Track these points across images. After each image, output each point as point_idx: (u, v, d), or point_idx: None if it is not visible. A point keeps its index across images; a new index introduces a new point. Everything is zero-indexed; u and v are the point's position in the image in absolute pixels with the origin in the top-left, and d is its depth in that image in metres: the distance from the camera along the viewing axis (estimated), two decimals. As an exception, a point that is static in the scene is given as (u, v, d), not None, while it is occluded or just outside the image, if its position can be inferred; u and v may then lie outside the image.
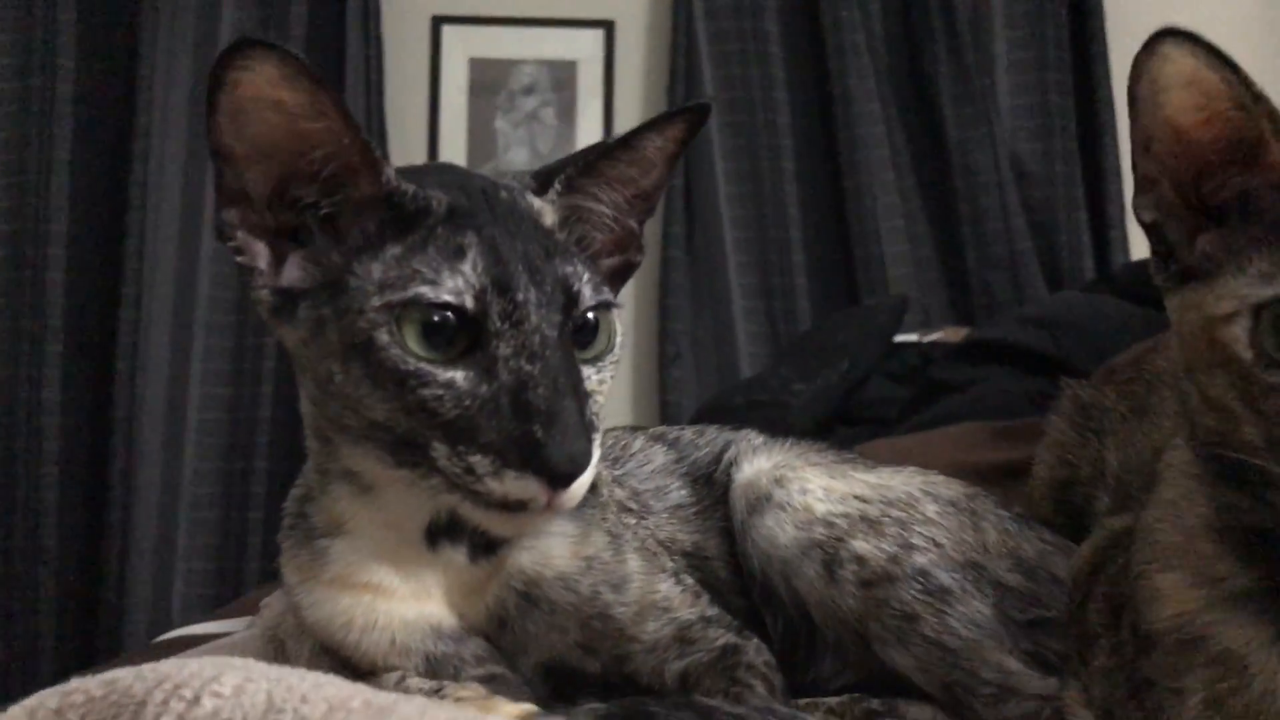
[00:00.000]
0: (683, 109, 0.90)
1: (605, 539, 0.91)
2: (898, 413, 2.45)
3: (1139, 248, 3.18)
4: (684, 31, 3.28)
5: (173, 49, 3.13)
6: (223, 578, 3.07)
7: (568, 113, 3.38)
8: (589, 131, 3.36)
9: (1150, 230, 0.75)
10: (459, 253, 0.78)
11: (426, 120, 3.33)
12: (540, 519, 0.80)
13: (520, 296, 0.78)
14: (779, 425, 2.35)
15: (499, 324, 0.77)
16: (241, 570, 3.07)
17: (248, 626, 1.44)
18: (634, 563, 0.92)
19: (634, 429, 1.16)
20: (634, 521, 0.97)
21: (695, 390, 3.21)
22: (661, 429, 1.18)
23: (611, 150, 0.88)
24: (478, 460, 0.76)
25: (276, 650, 1.03)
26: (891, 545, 0.91)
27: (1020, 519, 1.01)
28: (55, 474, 3.06)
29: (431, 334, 0.77)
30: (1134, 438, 0.99)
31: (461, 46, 3.36)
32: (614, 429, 1.13)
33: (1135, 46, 0.73)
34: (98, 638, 3.03)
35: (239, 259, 0.83)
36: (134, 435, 3.03)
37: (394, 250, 0.79)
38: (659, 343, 3.25)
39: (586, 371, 0.82)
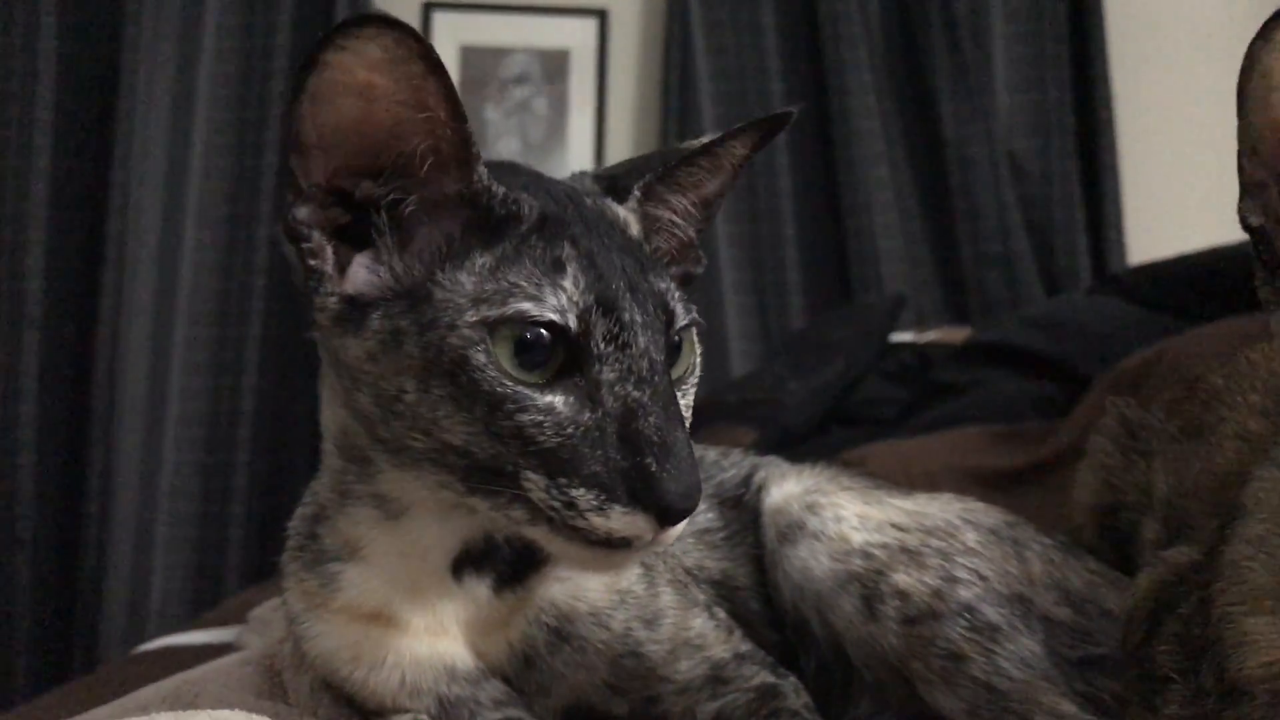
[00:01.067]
0: (767, 118, 0.85)
1: (638, 571, 0.86)
2: (897, 414, 2.42)
3: (1137, 248, 3.15)
4: (679, 21, 3.23)
5: (157, 32, 3.06)
6: (202, 572, 3.01)
7: (559, 103, 3.32)
8: (580, 122, 3.30)
9: (1256, 237, 0.70)
10: (558, 266, 0.72)
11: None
12: (636, 559, 0.76)
13: (627, 317, 0.72)
14: (773, 424, 2.34)
15: (603, 346, 0.71)
16: (222, 565, 3.01)
17: (235, 638, 1.39)
18: (667, 597, 0.87)
19: None
20: (660, 549, 0.91)
21: (685, 388, 3.16)
22: None
23: (695, 157, 0.84)
24: (580, 494, 0.69)
25: (272, 683, 0.98)
26: (934, 578, 0.87)
27: (1064, 547, 0.97)
28: (32, 464, 2.98)
29: (523, 353, 0.71)
30: (1188, 460, 0.94)
31: (452, 33, 3.29)
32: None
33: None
34: (75, 631, 2.95)
35: (312, 263, 0.74)
36: (113, 426, 2.96)
37: (483, 259, 0.73)
38: (649, 338, 3.19)
39: (678, 392, 0.76)
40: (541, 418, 0.70)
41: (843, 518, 0.92)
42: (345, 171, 0.74)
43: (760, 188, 3.24)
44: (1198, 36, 3.30)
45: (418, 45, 0.69)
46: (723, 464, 1.06)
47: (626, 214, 0.82)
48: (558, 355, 0.71)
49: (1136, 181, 3.26)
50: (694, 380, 0.80)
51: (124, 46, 3.01)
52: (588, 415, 0.70)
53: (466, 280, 0.72)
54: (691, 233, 0.87)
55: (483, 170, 0.74)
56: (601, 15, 3.33)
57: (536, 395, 0.70)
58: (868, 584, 0.88)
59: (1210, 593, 0.73)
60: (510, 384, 0.70)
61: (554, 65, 3.33)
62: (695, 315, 0.79)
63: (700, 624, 0.87)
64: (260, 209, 3.07)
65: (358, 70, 0.69)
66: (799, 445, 2.18)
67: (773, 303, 3.24)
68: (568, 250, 0.73)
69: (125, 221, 2.99)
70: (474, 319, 0.70)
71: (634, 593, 0.85)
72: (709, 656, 0.86)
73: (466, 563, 0.82)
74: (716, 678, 0.85)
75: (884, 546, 0.89)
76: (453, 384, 0.70)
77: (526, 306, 0.70)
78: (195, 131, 3.07)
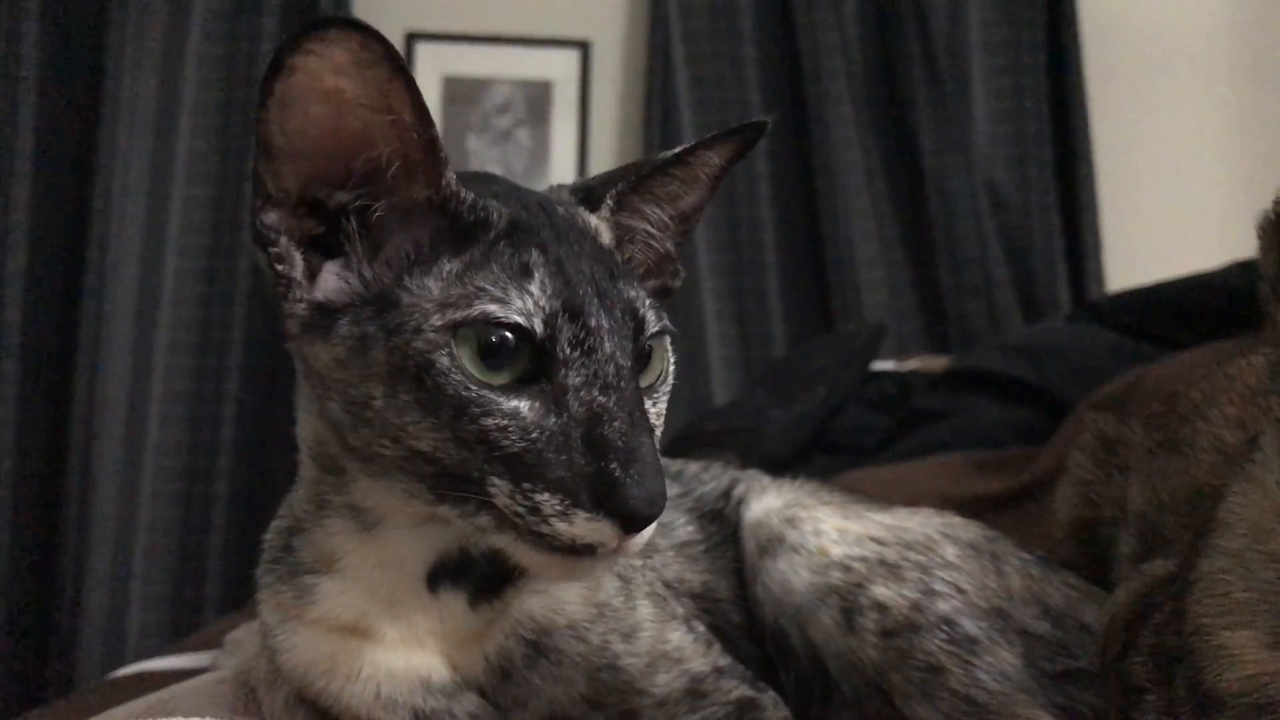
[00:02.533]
0: (741, 127, 0.85)
1: (616, 584, 0.86)
2: (878, 442, 2.42)
3: (1116, 277, 3.18)
4: (660, 53, 3.26)
5: (139, 60, 3.06)
6: (180, 603, 2.98)
7: (542, 133, 3.33)
8: (563, 152, 3.32)
9: None
10: (525, 271, 0.72)
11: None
12: (605, 567, 0.75)
13: (593, 323, 0.72)
14: (755, 452, 2.33)
15: (569, 351, 0.71)
16: (200, 596, 2.98)
17: (211, 661, 1.38)
18: (645, 610, 0.86)
19: None
20: (640, 563, 0.90)
21: (668, 416, 3.14)
22: (663, 460, 1.12)
23: (666, 167, 0.83)
24: (545, 500, 0.68)
25: (247, 700, 0.96)
26: (913, 591, 0.87)
27: (1043, 562, 0.97)
28: (8, 494, 2.96)
29: (489, 357, 0.70)
30: (1165, 473, 0.94)
31: (435, 64, 3.31)
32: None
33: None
34: (50, 661, 2.92)
35: (278, 268, 0.74)
36: (91, 455, 2.93)
37: (451, 265, 0.73)
38: (631, 367, 3.19)
39: (648, 401, 0.77)
40: (506, 422, 0.69)
41: (822, 531, 0.92)
42: (318, 181, 0.74)
43: (742, 217, 3.26)
44: (1173, 68, 3.34)
45: (382, 48, 0.69)
46: (702, 477, 1.06)
47: (598, 223, 0.82)
48: (523, 360, 0.71)
49: (1114, 211, 3.29)
50: (665, 389, 0.80)
51: (106, 75, 3.02)
52: (553, 420, 0.70)
53: (433, 285, 0.72)
54: (669, 245, 0.87)
55: (451, 176, 0.74)
56: (584, 47, 3.35)
57: (501, 399, 0.70)
58: (847, 597, 0.87)
59: (1185, 604, 0.73)
60: (475, 388, 0.69)
61: (537, 96, 3.34)
62: (667, 323, 0.79)
63: (679, 637, 0.86)
64: (240, 238, 3.07)
65: (325, 75, 0.69)
66: (781, 473, 2.17)
67: (754, 331, 3.25)
68: (535, 256, 0.73)
69: (105, 250, 2.98)
70: (439, 323, 0.70)
71: (612, 605, 0.84)
72: (687, 670, 0.85)
73: (442, 575, 0.81)
74: (695, 691, 0.84)
75: (863, 560, 0.89)
76: (419, 389, 0.70)
77: (492, 309, 0.70)
78: (176, 160, 3.07)
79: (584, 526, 0.68)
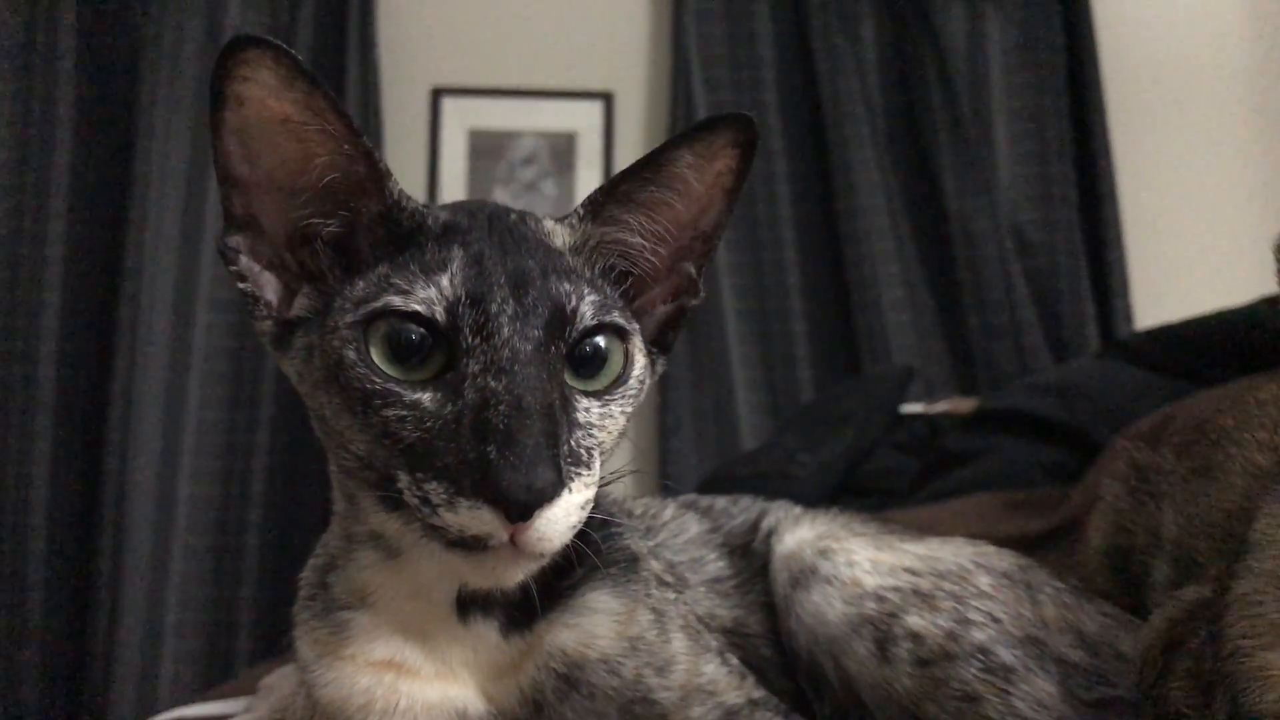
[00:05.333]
0: (718, 117, 0.82)
1: (650, 617, 0.85)
2: (908, 484, 2.40)
3: (1143, 315, 3.16)
4: (683, 103, 3.29)
5: (170, 114, 3.12)
6: (212, 656, 2.99)
7: (567, 185, 3.36)
8: (588, 203, 3.33)
9: None
10: (440, 266, 0.73)
11: (425, 191, 3.31)
12: (508, 564, 0.71)
13: (494, 309, 0.71)
14: (784, 496, 2.31)
15: (471, 339, 0.71)
16: (231, 649, 2.99)
17: (245, 709, 1.38)
18: (679, 643, 0.85)
19: (663, 497, 1.10)
20: (673, 596, 0.90)
21: (695, 462, 3.16)
22: (691, 496, 1.12)
23: (638, 169, 0.82)
24: (433, 488, 0.68)
25: (284, 736, 0.97)
26: (947, 620, 0.86)
27: (1077, 591, 0.96)
28: (43, 547, 2.99)
29: (402, 352, 0.71)
30: (1198, 500, 0.93)
31: (460, 118, 3.35)
32: (642, 498, 1.07)
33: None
34: (83, 715, 2.93)
35: (241, 285, 0.78)
36: (123, 509, 2.95)
37: (382, 269, 0.75)
38: (658, 413, 3.21)
39: (585, 403, 0.75)
40: (405, 413, 0.70)
41: (855, 562, 0.92)
42: (302, 215, 0.77)
43: (767, 261, 3.27)
44: (1195, 105, 3.35)
45: (295, 63, 0.72)
46: (731, 511, 1.06)
47: (555, 227, 0.82)
48: (438, 355, 0.72)
49: (1140, 249, 3.28)
50: (624, 393, 0.78)
51: (139, 132, 3.08)
52: (449, 409, 0.70)
53: (360, 287, 0.74)
54: (687, 268, 0.87)
55: (395, 186, 0.76)
56: (607, 98, 3.39)
57: (405, 392, 0.70)
58: (881, 627, 0.87)
59: (1221, 628, 0.73)
60: (379, 380, 0.70)
61: (561, 148, 3.38)
62: (614, 319, 0.77)
63: (712, 670, 0.85)
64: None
65: (269, 101, 0.73)
66: (810, 516, 2.16)
67: (781, 376, 3.25)
68: (455, 252, 0.74)
69: (137, 306, 3.02)
70: (350, 320, 0.72)
71: (645, 639, 0.84)
72: (722, 703, 0.84)
73: (471, 604, 0.82)
74: None
75: (897, 590, 0.89)
76: (339, 387, 0.72)
77: (394, 300, 0.71)
78: (207, 210, 3.11)
79: (466, 515, 0.67)
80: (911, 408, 2.79)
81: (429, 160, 3.31)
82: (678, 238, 0.85)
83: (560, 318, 0.74)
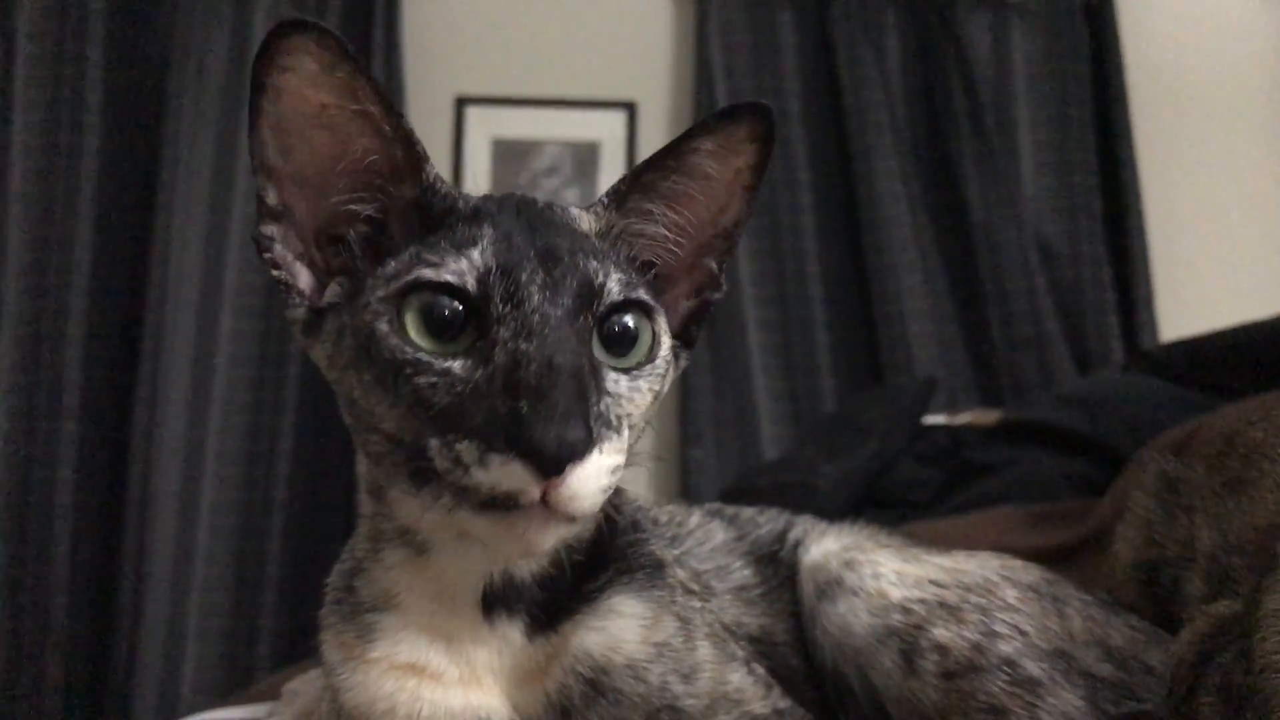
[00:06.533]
0: (737, 106, 0.83)
1: (675, 624, 0.85)
2: (930, 495, 2.39)
3: (1168, 328, 3.14)
4: (706, 111, 3.27)
5: (197, 126, 3.14)
6: (234, 662, 3.00)
7: (590, 194, 3.35)
8: (611, 212, 3.33)
9: None
10: (471, 242, 0.75)
11: (449, 199, 3.30)
12: (540, 527, 0.70)
13: (524, 277, 0.72)
14: (807, 507, 2.31)
15: (502, 307, 0.72)
16: (253, 654, 3.00)
17: (269, 713, 1.38)
18: (705, 650, 0.85)
19: (688, 505, 1.10)
20: (699, 604, 0.90)
21: (717, 471, 3.15)
22: (717, 505, 1.12)
23: (659, 159, 0.83)
24: (464, 447, 0.68)
25: (309, 741, 0.97)
26: (974, 633, 0.85)
27: (1105, 604, 0.95)
28: (66, 553, 3.01)
29: (435, 324, 0.72)
30: (1231, 515, 0.92)
31: (484, 127, 3.37)
32: (667, 505, 1.07)
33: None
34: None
35: (275, 273, 0.79)
36: (147, 515, 2.97)
37: (414, 249, 0.76)
38: (680, 423, 3.21)
39: (614, 376, 0.76)
40: (436, 379, 0.70)
41: (881, 574, 0.91)
42: (335, 212, 0.79)
43: (789, 272, 3.27)
44: (1221, 117, 3.33)
45: (336, 43, 0.73)
46: (758, 520, 1.06)
47: (580, 213, 0.83)
48: (471, 326, 0.72)
49: (1166, 261, 3.27)
50: (653, 370, 0.79)
51: (166, 140, 3.10)
52: (480, 373, 0.70)
53: (391, 266, 0.75)
54: (685, 247, 0.87)
55: (431, 169, 0.78)
56: (630, 108, 3.40)
57: (437, 360, 0.71)
58: (907, 639, 0.86)
59: (1252, 643, 0.72)
60: (410, 350, 0.71)
61: (584, 157, 3.39)
62: (640, 296, 0.78)
63: (739, 679, 0.85)
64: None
65: (307, 92, 0.75)
66: (833, 527, 2.16)
67: (803, 386, 3.25)
68: (485, 230, 0.76)
69: (163, 313, 3.04)
70: (382, 294, 0.73)
71: (671, 645, 0.83)
72: (748, 711, 0.84)
73: (495, 603, 0.82)
74: None
75: (923, 602, 0.88)
76: (371, 363, 0.73)
77: (426, 273, 0.72)
78: (232, 217, 3.13)
79: (498, 471, 0.66)
80: (934, 419, 2.78)
81: (452, 169, 3.33)
82: (700, 234, 0.86)
83: (589, 291, 0.75)
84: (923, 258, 3.26)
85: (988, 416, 2.71)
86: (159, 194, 3.09)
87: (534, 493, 0.67)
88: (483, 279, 0.72)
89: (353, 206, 0.79)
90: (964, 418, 2.79)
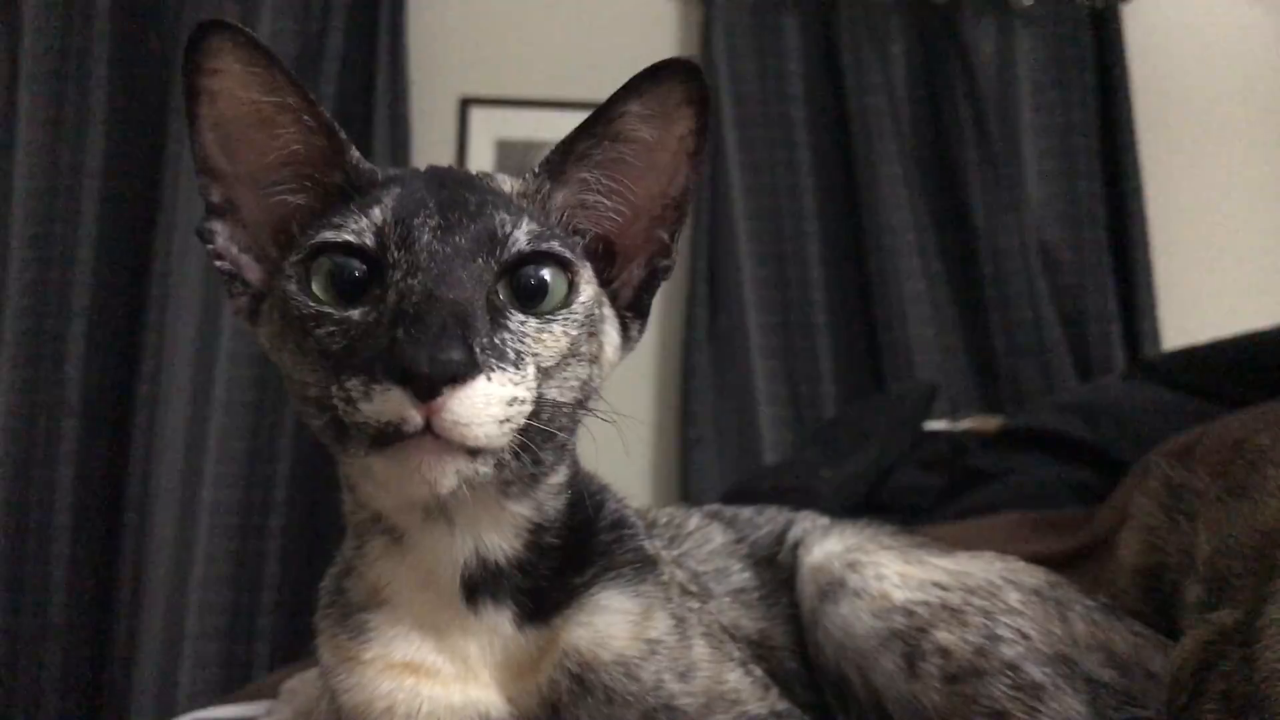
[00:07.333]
0: (661, 64, 0.82)
1: (669, 621, 0.84)
2: (932, 502, 2.39)
3: (1171, 336, 3.14)
4: (711, 117, 3.27)
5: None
6: (232, 660, 2.99)
7: (592, 194, 3.35)
8: (614, 214, 3.33)
9: None
10: (375, 202, 0.76)
11: (452, 201, 3.30)
12: (433, 461, 0.69)
13: (417, 222, 0.73)
14: (807, 511, 2.31)
15: (395, 253, 0.73)
16: (251, 653, 2.99)
17: (266, 712, 1.38)
18: (700, 649, 0.85)
19: (687, 506, 1.09)
20: (696, 605, 0.90)
21: (717, 475, 3.14)
22: (715, 507, 1.12)
23: (585, 126, 0.83)
24: (353, 384, 0.68)
25: (308, 741, 0.97)
26: (977, 636, 0.85)
27: (1108, 609, 0.95)
28: (65, 551, 3.00)
29: (341, 285, 0.74)
30: (1232, 520, 0.92)
31: (488, 128, 3.36)
32: (667, 508, 1.07)
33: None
34: (102, 718, 2.93)
35: (218, 263, 0.82)
36: (146, 513, 2.97)
37: (327, 218, 0.77)
38: (680, 426, 3.20)
39: (521, 317, 0.75)
40: (334, 328, 0.72)
41: (884, 576, 0.91)
42: (284, 211, 0.81)
43: (791, 277, 3.27)
44: (1225, 125, 3.33)
45: (247, 38, 0.76)
46: (756, 521, 1.06)
47: (506, 178, 0.84)
48: (375, 282, 0.73)
49: (1168, 269, 3.27)
50: (569, 316, 0.78)
51: (170, 137, 3.10)
52: (373, 315, 0.71)
53: (309, 235, 0.77)
54: (632, 215, 0.86)
55: (355, 154, 0.80)
56: (635, 111, 3.38)
57: (337, 311, 0.73)
58: (909, 641, 0.86)
59: (1254, 651, 0.72)
60: (314, 304, 0.73)
61: (589, 159, 3.36)
62: (552, 247, 0.77)
63: (736, 678, 0.85)
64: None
65: (239, 91, 0.77)
66: (833, 532, 2.16)
67: (805, 391, 3.24)
68: (392, 191, 0.77)
69: (164, 310, 3.04)
70: (293, 259, 0.75)
71: (666, 643, 0.83)
72: (745, 712, 0.83)
73: (478, 589, 0.82)
74: None
75: (926, 604, 0.88)
76: (288, 327, 0.75)
77: (327, 235, 0.74)
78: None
79: (379, 401, 0.67)
80: (935, 425, 2.77)
81: (456, 170, 3.31)
82: (650, 205, 0.86)
83: (489, 236, 0.75)
84: (925, 264, 3.26)
85: (989, 423, 2.71)
86: (162, 192, 3.08)
87: (415, 417, 0.67)
88: (379, 232, 0.74)
89: (288, 198, 0.80)
90: (965, 424, 2.79)
